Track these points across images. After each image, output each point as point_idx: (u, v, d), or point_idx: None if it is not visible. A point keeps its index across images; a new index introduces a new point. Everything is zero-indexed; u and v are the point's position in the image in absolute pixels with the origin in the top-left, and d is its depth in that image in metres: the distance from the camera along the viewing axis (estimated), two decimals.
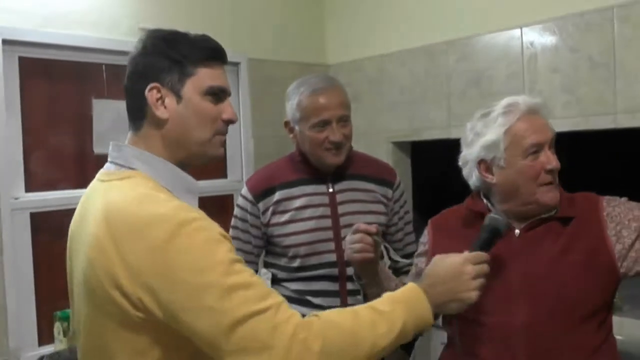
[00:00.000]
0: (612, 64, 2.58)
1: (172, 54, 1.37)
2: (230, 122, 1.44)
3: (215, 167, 3.46)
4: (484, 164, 1.77)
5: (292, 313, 1.21)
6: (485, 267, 1.47)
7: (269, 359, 1.15)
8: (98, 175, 1.42)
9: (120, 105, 2.82)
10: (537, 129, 1.70)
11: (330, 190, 2.21)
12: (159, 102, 1.36)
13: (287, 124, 2.23)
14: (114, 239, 1.23)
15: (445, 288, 1.41)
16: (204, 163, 1.46)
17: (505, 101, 1.78)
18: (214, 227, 1.27)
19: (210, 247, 1.21)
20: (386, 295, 1.38)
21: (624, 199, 1.74)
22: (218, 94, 1.41)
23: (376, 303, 1.34)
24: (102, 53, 2.94)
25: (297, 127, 2.18)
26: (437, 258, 1.49)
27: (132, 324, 1.23)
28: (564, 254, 1.67)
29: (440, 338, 3.07)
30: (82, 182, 2.92)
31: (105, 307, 1.24)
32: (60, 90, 2.94)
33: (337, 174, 2.22)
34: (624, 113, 2.55)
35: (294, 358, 1.16)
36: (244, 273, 1.22)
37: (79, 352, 1.42)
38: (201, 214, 1.27)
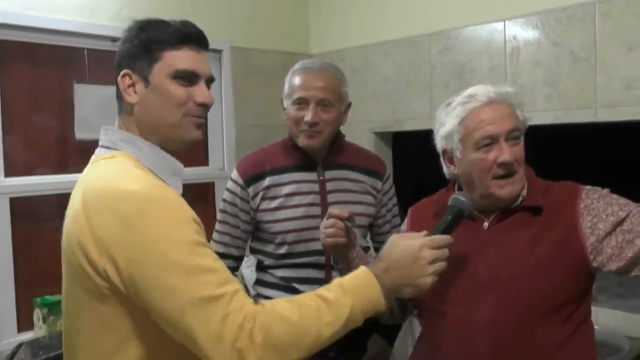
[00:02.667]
0: (593, 58, 2.61)
1: (142, 39, 1.41)
2: (203, 105, 1.43)
3: (196, 155, 3.45)
4: (447, 154, 1.76)
5: (244, 303, 1.22)
6: (445, 252, 1.43)
7: (216, 347, 1.17)
8: (91, 159, 1.47)
9: (102, 91, 2.86)
10: (492, 121, 1.64)
11: (321, 177, 2.20)
12: (130, 88, 1.41)
13: (282, 101, 2.23)
14: (86, 211, 1.27)
15: (400, 273, 1.38)
16: (184, 147, 1.45)
17: (467, 91, 1.73)
18: (185, 209, 1.29)
19: (178, 226, 1.24)
20: (336, 280, 1.36)
21: (605, 191, 1.67)
22: (188, 77, 1.41)
23: (324, 290, 1.32)
24: (84, 37, 2.91)
25: (284, 104, 2.19)
26: (394, 239, 1.45)
27: (98, 294, 1.26)
28: (532, 246, 1.64)
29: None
30: (63, 167, 2.91)
31: (77, 277, 1.29)
32: (42, 74, 2.91)
33: (327, 163, 2.21)
34: (604, 107, 2.59)
35: (238, 348, 1.18)
36: (208, 257, 1.25)
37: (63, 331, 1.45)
38: (174, 194, 1.31)
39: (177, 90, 1.40)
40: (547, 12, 2.76)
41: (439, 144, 1.77)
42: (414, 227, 1.85)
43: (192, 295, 1.18)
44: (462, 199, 1.57)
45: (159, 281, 1.20)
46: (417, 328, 3.10)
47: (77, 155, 2.89)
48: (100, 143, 1.46)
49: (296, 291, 2.16)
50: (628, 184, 1.91)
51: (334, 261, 1.86)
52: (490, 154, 1.65)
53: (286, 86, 2.18)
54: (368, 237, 2.36)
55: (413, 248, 1.39)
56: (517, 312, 1.60)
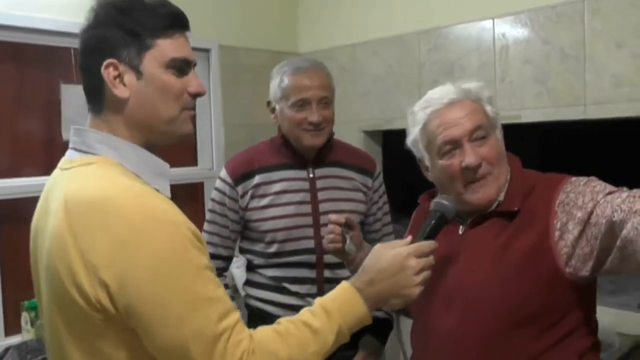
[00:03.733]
0: (582, 56, 2.61)
1: (127, 24, 1.24)
2: (198, 95, 1.32)
3: (185, 154, 3.43)
4: (421, 162, 1.70)
5: (242, 337, 1.18)
6: (430, 259, 1.38)
7: None
8: (60, 164, 1.32)
9: None
10: (452, 123, 1.54)
11: (311, 175, 2.19)
12: (117, 80, 1.24)
13: (269, 104, 2.22)
14: (73, 231, 1.14)
15: (386, 285, 1.33)
16: (175, 142, 1.34)
17: (427, 94, 1.63)
18: (182, 222, 1.18)
19: (180, 246, 1.14)
20: (319, 303, 1.31)
21: (584, 180, 1.49)
22: (182, 66, 1.29)
23: (309, 316, 1.28)
24: (71, 37, 2.85)
25: (277, 107, 2.17)
26: (378, 248, 1.39)
27: (93, 327, 1.15)
28: (502, 253, 1.52)
29: None
30: (50, 169, 2.83)
31: (67, 309, 1.17)
32: (28, 74, 2.87)
33: (318, 160, 2.21)
34: (593, 104, 2.59)
35: None
36: (211, 283, 1.18)
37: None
38: (169, 204, 1.20)
39: (173, 81, 1.28)
40: (536, 9, 2.75)
41: (411, 150, 1.70)
42: (411, 231, 1.81)
43: (198, 330, 1.12)
44: (445, 202, 1.50)
45: (162, 311, 1.11)
46: (404, 328, 3.11)
47: (64, 155, 2.84)
48: (71, 145, 1.30)
49: (287, 291, 2.17)
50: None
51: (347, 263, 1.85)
52: (455, 158, 1.55)
53: (276, 88, 2.16)
54: None
55: (399, 258, 1.34)
56: (483, 323, 1.51)
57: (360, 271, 1.37)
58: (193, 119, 1.35)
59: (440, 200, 1.51)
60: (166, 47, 1.27)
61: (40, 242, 1.28)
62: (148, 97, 1.26)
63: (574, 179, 1.51)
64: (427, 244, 1.40)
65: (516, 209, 1.54)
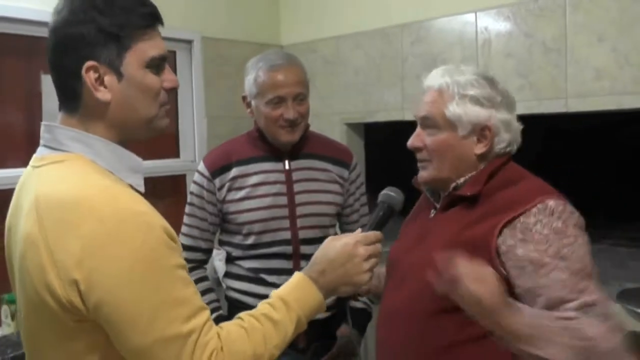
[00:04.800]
0: (564, 49, 2.64)
1: (105, 24, 1.19)
2: (173, 89, 1.31)
3: (167, 146, 3.41)
4: None
5: (210, 337, 1.18)
6: (377, 247, 1.42)
7: None
8: (31, 161, 1.29)
9: None
10: (415, 111, 1.69)
11: (287, 167, 2.21)
12: (98, 82, 1.20)
13: (244, 98, 2.23)
14: (43, 231, 1.12)
15: (337, 273, 1.37)
16: (151, 137, 1.33)
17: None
18: (155, 222, 1.15)
19: (152, 248, 1.13)
20: (277, 295, 1.34)
21: (560, 218, 1.46)
22: (159, 64, 1.27)
23: (270, 309, 1.31)
24: None
25: (253, 103, 2.17)
26: (328, 241, 1.43)
27: (66, 329, 1.15)
28: (455, 239, 1.53)
29: None
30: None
31: (39, 311, 1.16)
32: (7, 65, 2.84)
33: (294, 152, 2.22)
34: (575, 97, 2.62)
35: None
36: (180, 282, 1.17)
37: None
38: (143, 203, 1.18)
39: (153, 80, 1.25)
40: (518, 3, 2.78)
41: None
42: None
43: (163, 333, 1.12)
44: (392, 194, 1.54)
45: (129, 314, 1.10)
46: None
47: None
48: (42, 142, 1.25)
49: (264, 282, 2.18)
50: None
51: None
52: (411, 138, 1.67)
53: (252, 84, 2.16)
54: (337, 227, 2.38)
55: (348, 247, 1.39)
56: (420, 304, 1.55)
57: (312, 262, 1.41)
58: (169, 113, 1.34)
59: (388, 192, 1.55)
60: (145, 47, 1.24)
61: (13, 239, 1.26)
62: (129, 98, 1.24)
63: (552, 203, 1.48)
64: (373, 234, 1.44)
65: (469, 194, 1.56)
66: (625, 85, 2.49)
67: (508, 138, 1.62)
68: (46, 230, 1.12)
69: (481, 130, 1.59)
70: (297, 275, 1.39)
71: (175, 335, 1.13)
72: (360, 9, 3.46)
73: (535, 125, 2.87)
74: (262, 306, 1.33)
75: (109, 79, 1.21)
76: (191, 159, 3.47)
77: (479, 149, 1.60)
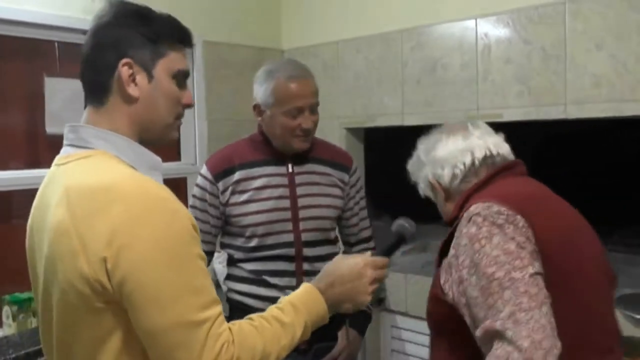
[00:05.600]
0: (563, 56, 2.66)
1: (145, 30, 1.32)
2: (189, 106, 1.43)
3: (168, 149, 3.42)
4: None
5: (223, 330, 1.22)
6: (384, 272, 1.51)
7: None
8: (55, 161, 1.37)
9: (74, 84, 2.78)
10: None
11: (290, 171, 2.24)
12: (131, 78, 1.31)
13: (256, 107, 2.24)
14: (74, 219, 1.19)
15: (343, 289, 1.45)
16: (160, 145, 1.42)
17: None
18: (183, 211, 1.23)
19: (178, 236, 1.19)
20: (287, 300, 1.40)
21: (471, 226, 1.47)
22: (182, 79, 1.40)
23: (279, 312, 1.36)
24: (55, 30, 2.85)
25: (268, 111, 2.19)
26: (339, 258, 1.52)
27: (94, 311, 1.20)
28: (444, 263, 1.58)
29: (390, 321, 3.15)
30: (34, 162, 2.86)
31: (68, 296, 1.21)
32: (10, 67, 2.84)
33: (296, 156, 2.25)
34: (573, 104, 2.64)
35: None
36: (201, 273, 1.23)
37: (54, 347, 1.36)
38: (169, 193, 1.24)
39: (175, 90, 1.37)
40: (518, 10, 2.79)
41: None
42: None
43: (181, 317, 1.16)
44: (406, 225, 1.66)
45: (150, 294, 1.15)
46: (387, 321, 3.15)
47: (48, 149, 2.83)
48: (67, 142, 1.35)
49: (267, 283, 2.21)
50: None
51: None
52: None
53: (268, 94, 2.17)
54: (336, 230, 2.41)
55: (358, 266, 1.47)
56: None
57: (321, 275, 1.49)
58: (179, 128, 1.46)
59: (403, 223, 1.67)
60: (175, 59, 1.37)
61: (37, 237, 1.32)
62: (154, 100, 1.34)
63: (472, 208, 1.51)
64: (381, 260, 1.53)
65: (446, 222, 1.70)
66: (623, 92, 2.51)
67: (448, 172, 1.69)
68: (77, 217, 1.19)
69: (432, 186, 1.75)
70: (305, 285, 1.46)
71: (192, 321, 1.17)
72: (360, 14, 3.48)
73: (531, 131, 2.91)
74: (272, 310, 1.38)
75: (140, 78, 1.32)
76: (192, 162, 3.48)
77: (440, 197, 1.74)
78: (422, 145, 1.78)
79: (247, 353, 1.24)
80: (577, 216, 1.61)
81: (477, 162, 1.66)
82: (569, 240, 1.49)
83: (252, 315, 1.35)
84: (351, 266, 1.47)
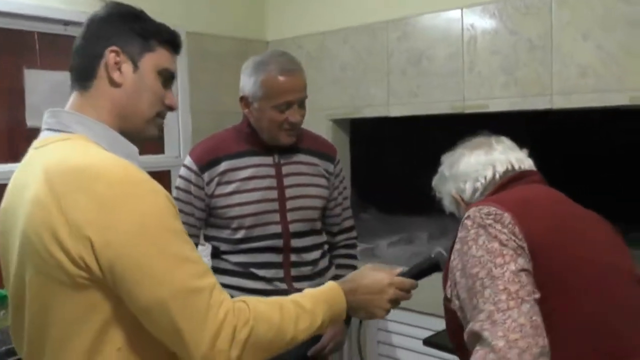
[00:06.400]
0: (550, 46, 2.66)
1: (136, 26, 1.38)
2: (171, 108, 1.46)
3: (151, 142, 3.37)
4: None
5: (224, 297, 1.23)
6: (406, 296, 1.55)
7: (197, 341, 1.17)
8: (33, 144, 1.37)
9: (55, 77, 2.78)
10: None
11: (276, 161, 2.22)
12: (116, 66, 1.35)
13: (243, 99, 2.20)
14: (55, 195, 1.18)
15: (363, 298, 1.49)
16: (138, 140, 1.43)
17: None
18: (162, 191, 1.25)
19: (162, 211, 1.22)
20: (308, 292, 1.43)
21: (462, 230, 1.47)
22: (168, 79, 1.43)
23: (300, 299, 1.38)
24: (35, 21, 2.81)
25: (255, 104, 2.15)
26: (367, 268, 1.55)
27: (73, 285, 1.18)
28: None
29: None
30: (14, 155, 2.81)
31: (47, 269, 1.20)
32: None
33: (282, 147, 2.22)
34: (559, 94, 2.64)
35: (220, 343, 1.18)
36: (189, 245, 1.24)
37: (25, 331, 1.34)
38: (148, 176, 1.26)
39: (159, 87, 1.41)
40: (504, 0, 2.79)
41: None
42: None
43: (179, 285, 1.17)
44: (444, 253, 1.61)
45: (144, 269, 1.16)
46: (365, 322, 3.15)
47: (28, 142, 2.75)
48: (46, 126, 1.36)
49: (254, 276, 2.19)
50: None
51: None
52: None
53: (258, 87, 2.13)
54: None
55: (382, 282, 1.51)
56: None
57: (347, 279, 1.53)
58: (161, 128, 1.49)
59: (441, 251, 1.63)
60: (163, 57, 1.41)
61: (12, 219, 1.31)
62: (137, 90, 1.38)
63: (469, 213, 1.49)
64: (410, 282, 1.56)
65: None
66: (608, 82, 2.51)
67: (470, 186, 1.69)
68: (57, 192, 1.18)
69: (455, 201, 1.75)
70: (330, 282, 1.50)
71: (191, 289, 1.18)
72: (345, 5, 3.46)
73: (518, 124, 2.91)
74: (292, 295, 1.41)
75: (126, 67, 1.36)
76: (175, 155, 3.45)
77: (462, 212, 1.69)
78: (446, 161, 1.78)
79: (263, 325, 1.25)
80: (582, 218, 1.58)
81: (497, 177, 1.65)
82: (562, 241, 1.46)
83: (269, 298, 1.36)
84: (377, 280, 1.51)
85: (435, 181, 1.81)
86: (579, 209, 1.60)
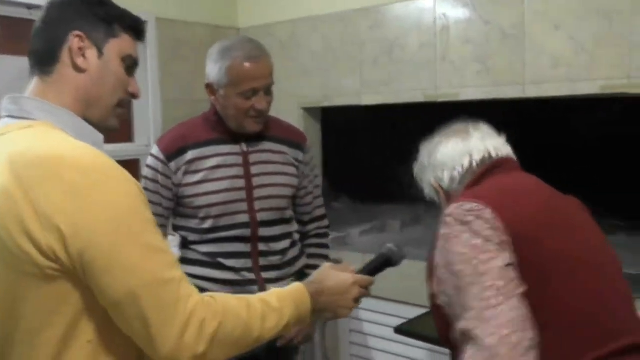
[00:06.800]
0: (522, 36, 2.67)
1: (100, 11, 1.34)
2: (134, 96, 1.43)
3: (120, 130, 3.30)
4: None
5: (193, 290, 1.22)
6: (367, 292, 1.57)
7: (166, 333, 1.15)
8: None
9: (19, 62, 2.69)
10: None
11: (244, 150, 2.20)
12: (80, 52, 1.31)
13: (209, 86, 2.17)
14: (21, 185, 1.15)
15: (328, 300, 1.50)
16: (102, 128, 1.38)
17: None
18: (132, 180, 1.23)
19: (132, 200, 1.20)
20: (275, 291, 1.41)
21: (443, 227, 1.46)
22: (131, 67, 1.40)
23: (268, 297, 1.37)
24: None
25: (221, 91, 2.13)
26: (328, 268, 1.55)
27: (43, 277, 1.15)
28: None
29: None
30: None
31: (12, 260, 1.17)
32: None
33: (250, 135, 2.20)
34: (532, 84, 2.65)
35: (188, 336, 1.17)
36: (158, 235, 1.23)
37: None
38: (117, 164, 1.23)
39: (122, 74, 1.37)
40: None
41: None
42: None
43: (150, 275, 1.15)
44: (395, 250, 1.65)
45: (114, 257, 1.14)
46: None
47: None
48: (6, 113, 1.31)
49: (222, 266, 2.17)
50: None
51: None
52: None
53: (223, 74, 2.10)
54: (291, 209, 2.38)
55: (346, 283, 1.52)
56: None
57: (311, 280, 1.52)
58: (123, 118, 1.44)
59: (392, 247, 1.65)
60: (127, 43, 1.38)
61: None
62: (102, 76, 1.34)
63: (449, 210, 1.48)
64: (368, 279, 1.58)
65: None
66: (580, 72, 2.53)
67: (447, 175, 1.68)
68: (24, 184, 1.15)
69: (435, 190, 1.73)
70: (297, 284, 1.48)
71: (162, 279, 1.17)
72: None
73: (492, 114, 2.91)
74: (257, 294, 1.39)
75: (90, 53, 1.32)
76: (146, 144, 3.39)
77: (442, 200, 1.71)
78: (425, 149, 1.76)
79: (232, 320, 1.24)
80: (563, 207, 1.58)
81: (474, 165, 1.64)
82: (544, 231, 1.45)
83: (237, 295, 1.35)
84: (341, 281, 1.52)
85: (416, 169, 1.80)
86: (558, 195, 1.61)
